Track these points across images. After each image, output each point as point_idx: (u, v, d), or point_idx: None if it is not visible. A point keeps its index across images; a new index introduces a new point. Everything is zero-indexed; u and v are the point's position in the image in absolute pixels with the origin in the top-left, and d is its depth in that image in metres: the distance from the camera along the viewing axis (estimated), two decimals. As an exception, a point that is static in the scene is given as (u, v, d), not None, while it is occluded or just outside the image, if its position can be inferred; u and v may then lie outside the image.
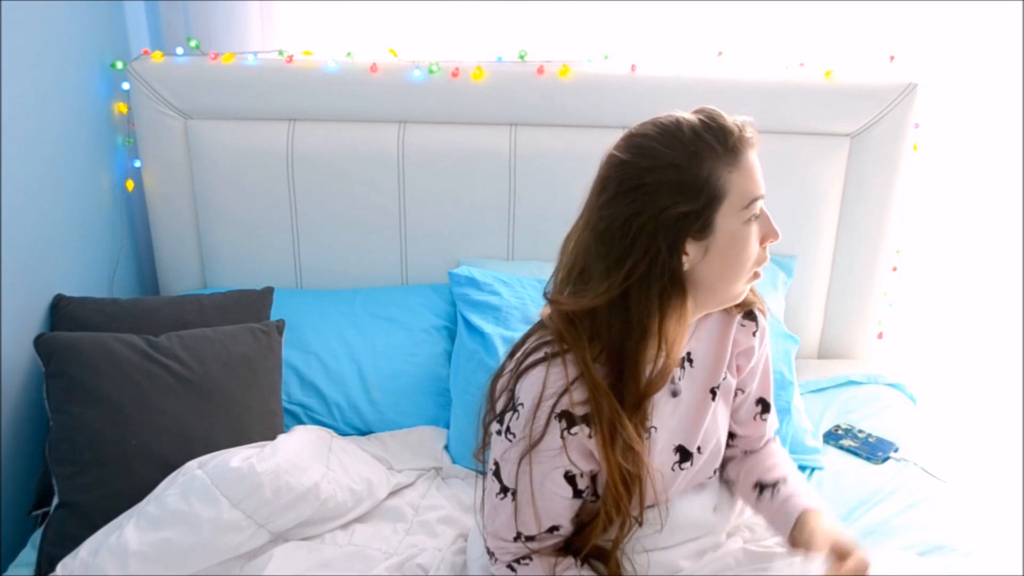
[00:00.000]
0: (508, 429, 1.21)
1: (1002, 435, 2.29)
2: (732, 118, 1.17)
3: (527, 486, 1.22)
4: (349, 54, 2.10)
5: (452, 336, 2.03)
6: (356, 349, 1.99)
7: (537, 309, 1.95)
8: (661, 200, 1.13)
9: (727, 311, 1.32)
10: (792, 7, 2.10)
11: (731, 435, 1.42)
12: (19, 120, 1.76)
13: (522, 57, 2.10)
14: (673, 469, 1.31)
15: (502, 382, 1.25)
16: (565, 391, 1.17)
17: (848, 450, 1.86)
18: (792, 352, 1.94)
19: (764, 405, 1.41)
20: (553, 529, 1.26)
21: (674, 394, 1.29)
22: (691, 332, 1.29)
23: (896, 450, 1.84)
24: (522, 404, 1.19)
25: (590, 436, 1.18)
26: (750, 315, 1.34)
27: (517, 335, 1.86)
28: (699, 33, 2.13)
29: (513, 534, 1.26)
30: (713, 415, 1.33)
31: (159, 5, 2.19)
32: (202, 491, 1.51)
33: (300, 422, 1.88)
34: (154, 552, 1.45)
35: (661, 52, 2.12)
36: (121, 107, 2.16)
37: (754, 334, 1.35)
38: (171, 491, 1.53)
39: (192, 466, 1.57)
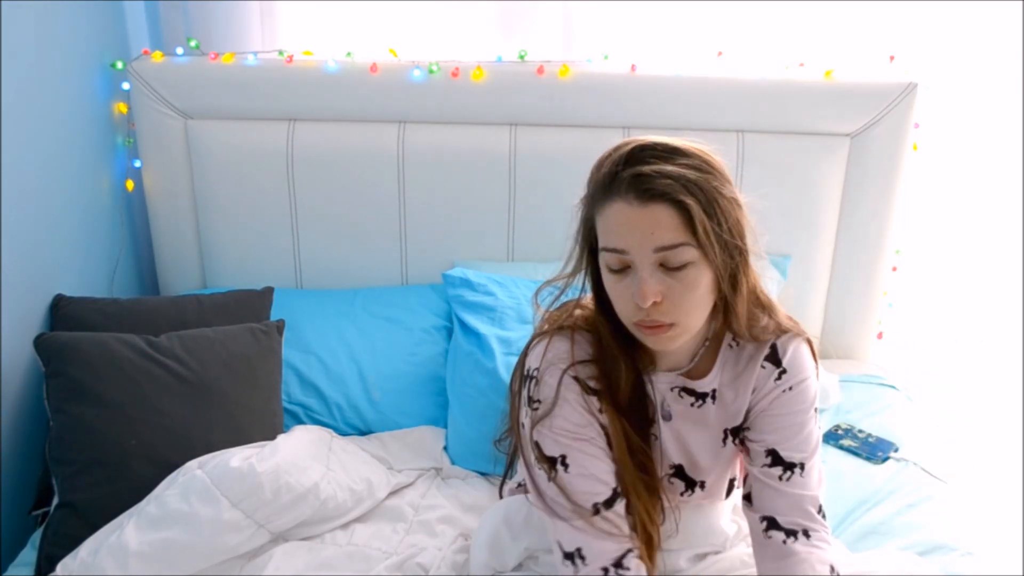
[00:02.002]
0: (531, 399, 1.23)
1: (1002, 435, 2.29)
2: (646, 168, 1.10)
3: (567, 441, 1.20)
4: (349, 54, 2.10)
5: (452, 336, 2.03)
6: (356, 349, 1.99)
7: (532, 309, 1.97)
8: (584, 205, 1.20)
9: (756, 349, 1.26)
10: (792, 7, 2.10)
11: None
12: (19, 120, 1.76)
13: (522, 57, 2.10)
14: (671, 482, 1.29)
15: (516, 373, 1.29)
16: (572, 360, 1.22)
17: (848, 450, 1.86)
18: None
19: (775, 458, 1.22)
20: (612, 499, 1.19)
21: (664, 417, 1.27)
22: (719, 368, 1.27)
23: (896, 450, 1.84)
24: (536, 369, 1.23)
25: (600, 410, 1.22)
26: (774, 358, 1.25)
27: (513, 335, 1.89)
28: (699, 33, 2.13)
29: (590, 505, 1.17)
30: (726, 457, 1.30)
31: (159, 5, 2.19)
32: (202, 491, 1.51)
33: (300, 422, 1.88)
34: (154, 552, 1.45)
35: (661, 52, 2.12)
36: (121, 107, 2.16)
37: (777, 379, 1.25)
38: (171, 491, 1.53)
39: (192, 466, 1.57)
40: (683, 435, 1.28)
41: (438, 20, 2.16)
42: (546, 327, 1.28)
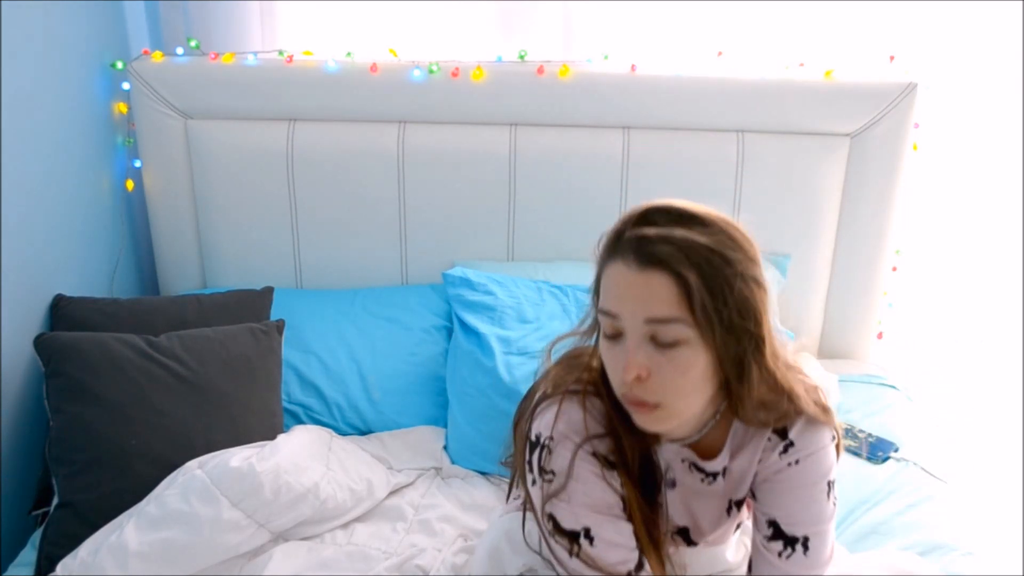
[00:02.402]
0: (543, 469, 1.14)
1: (1002, 435, 2.29)
2: (651, 230, 1.02)
3: (588, 515, 1.12)
4: (349, 54, 2.10)
5: (452, 336, 2.03)
6: (356, 349, 1.99)
7: (532, 309, 1.97)
8: (597, 260, 1.12)
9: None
10: (792, 7, 2.10)
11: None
12: (19, 120, 1.76)
13: (522, 57, 2.09)
14: (674, 538, 1.25)
15: (523, 425, 1.20)
16: (586, 433, 1.13)
17: (848, 450, 1.85)
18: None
19: (776, 530, 1.16)
20: (640, 562, 1.14)
21: (669, 485, 1.21)
22: (730, 446, 1.19)
23: (896, 450, 1.84)
24: (549, 439, 1.14)
25: (621, 483, 1.14)
26: (782, 431, 1.17)
27: (513, 334, 1.89)
28: (699, 33, 2.13)
29: (624, 573, 1.12)
30: (731, 520, 1.25)
31: (159, 5, 2.19)
32: (202, 491, 1.51)
33: (300, 422, 1.88)
34: (154, 552, 1.45)
35: (661, 52, 2.12)
36: (121, 107, 2.16)
37: (782, 452, 1.16)
38: (171, 491, 1.53)
39: (192, 466, 1.57)
40: (689, 501, 1.22)
41: (438, 20, 2.16)
42: (551, 388, 1.18)
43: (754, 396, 1.08)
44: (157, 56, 2.11)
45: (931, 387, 2.31)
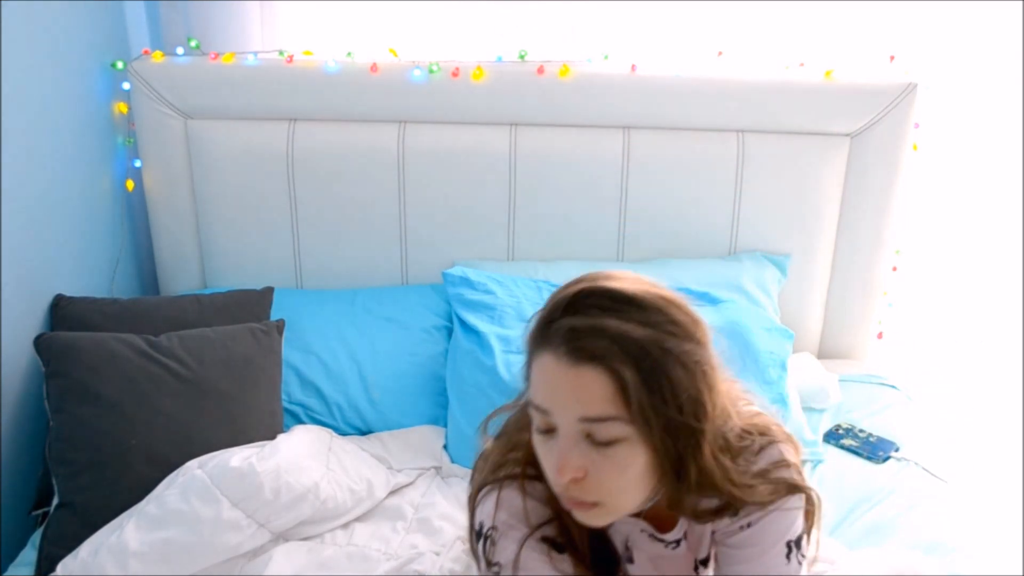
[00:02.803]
0: (489, 561, 1.07)
1: (1002, 435, 2.29)
2: (584, 321, 0.93)
3: None
4: (349, 54, 2.10)
5: (452, 335, 2.03)
6: (356, 349, 1.99)
7: (531, 308, 1.97)
8: (526, 341, 1.03)
9: None
10: (792, 7, 2.11)
11: None
12: (19, 120, 1.76)
13: (522, 57, 2.10)
14: None
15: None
16: (528, 522, 1.07)
17: (849, 449, 1.86)
18: (787, 347, 1.94)
19: None
20: None
21: (628, 560, 1.14)
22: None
23: (897, 449, 1.84)
24: (491, 528, 1.08)
25: (574, 566, 1.07)
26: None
27: (512, 333, 1.89)
28: (699, 33, 2.13)
29: None
30: None
31: (159, 5, 2.19)
32: (202, 491, 1.51)
33: (300, 422, 1.88)
34: (154, 552, 1.45)
35: (661, 52, 2.12)
36: (121, 107, 2.16)
37: (733, 515, 1.07)
38: (171, 491, 1.53)
39: (192, 466, 1.57)
40: (657, 564, 1.15)
41: (438, 20, 2.16)
42: (489, 472, 1.12)
43: (692, 495, 1.01)
44: (157, 56, 2.11)
45: (931, 387, 2.31)
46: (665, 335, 0.94)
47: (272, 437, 1.70)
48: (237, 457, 1.56)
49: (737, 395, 1.08)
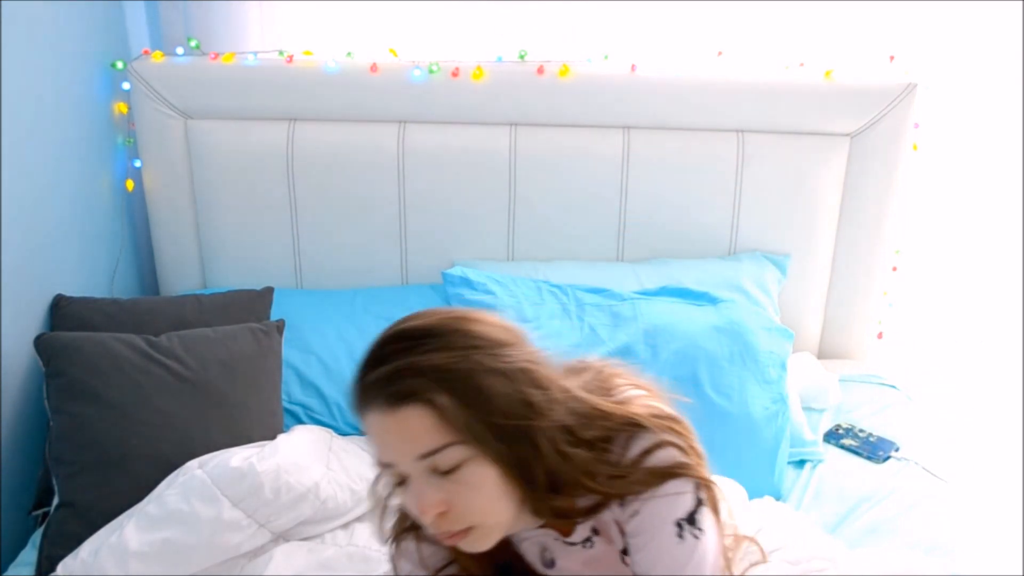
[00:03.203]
0: None
1: (1002, 435, 2.29)
2: (387, 368, 0.95)
3: None
4: (349, 54, 2.10)
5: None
6: (356, 349, 1.98)
7: (531, 308, 1.97)
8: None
9: None
10: (792, 7, 2.11)
11: None
12: (19, 120, 1.76)
13: (522, 57, 2.10)
14: None
15: None
16: (428, 571, 1.14)
17: (849, 449, 1.86)
18: (787, 347, 1.93)
19: None
20: None
21: (547, 565, 1.13)
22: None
23: (897, 449, 1.84)
24: None
25: None
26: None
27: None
28: (699, 33, 2.13)
29: None
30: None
31: (159, 5, 2.19)
32: (202, 491, 1.51)
33: (300, 422, 1.88)
34: (154, 552, 1.45)
35: (661, 52, 2.12)
36: (121, 107, 2.16)
37: (620, 504, 1.04)
38: (171, 491, 1.53)
39: (192, 466, 1.57)
40: (587, 563, 1.13)
41: (438, 20, 2.16)
42: (395, 524, 1.14)
43: (544, 499, 1.00)
44: (157, 56, 2.11)
45: (931, 387, 2.31)
46: (468, 351, 0.96)
47: (272, 437, 1.70)
48: (237, 457, 1.56)
49: (602, 384, 1.06)
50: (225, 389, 1.72)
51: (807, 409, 1.97)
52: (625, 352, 1.80)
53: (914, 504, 1.66)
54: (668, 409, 1.07)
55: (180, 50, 2.14)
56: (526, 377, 0.97)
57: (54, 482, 1.62)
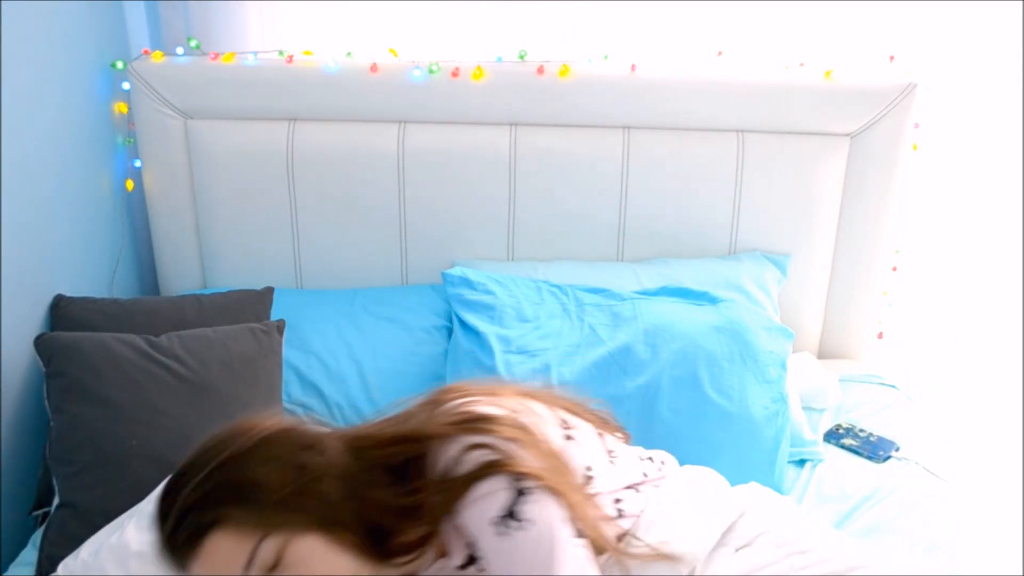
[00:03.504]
0: None
1: (1003, 435, 2.30)
2: (172, 517, 1.00)
3: None
4: (349, 54, 2.10)
5: (452, 336, 2.03)
6: (356, 349, 1.99)
7: (531, 308, 1.97)
8: None
9: None
10: (792, 7, 2.11)
11: None
12: (19, 120, 1.76)
13: (522, 57, 2.10)
14: None
15: None
16: None
17: (849, 449, 1.86)
18: (787, 347, 1.93)
19: None
20: None
21: None
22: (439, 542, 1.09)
23: (897, 449, 1.84)
24: None
25: None
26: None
27: (512, 333, 1.89)
28: (699, 33, 2.13)
29: None
30: None
31: (159, 5, 2.19)
32: (202, 491, 1.51)
33: (300, 422, 1.88)
34: (155, 552, 1.45)
35: (661, 52, 2.12)
36: (121, 107, 2.16)
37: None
38: (171, 491, 1.53)
39: (192, 466, 1.57)
40: None
41: (438, 20, 2.16)
42: None
43: (385, 542, 1.03)
44: (157, 56, 2.11)
45: (931, 387, 2.31)
46: (221, 465, 1.01)
47: (272, 437, 1.70)
48: (237, 457, 1.56)
49: (436, 405, 1.09)
50: (225, 389, 1.72)
51: (807, 409, 1.97)
52: (625, 352, 1.80)
53: (914, 504, 1.66)
54: (487, 410, 1.07)
55: (180, 50, 2.14)
56: (288, 442, 1.03)
57: (54, 482, 1.62)
